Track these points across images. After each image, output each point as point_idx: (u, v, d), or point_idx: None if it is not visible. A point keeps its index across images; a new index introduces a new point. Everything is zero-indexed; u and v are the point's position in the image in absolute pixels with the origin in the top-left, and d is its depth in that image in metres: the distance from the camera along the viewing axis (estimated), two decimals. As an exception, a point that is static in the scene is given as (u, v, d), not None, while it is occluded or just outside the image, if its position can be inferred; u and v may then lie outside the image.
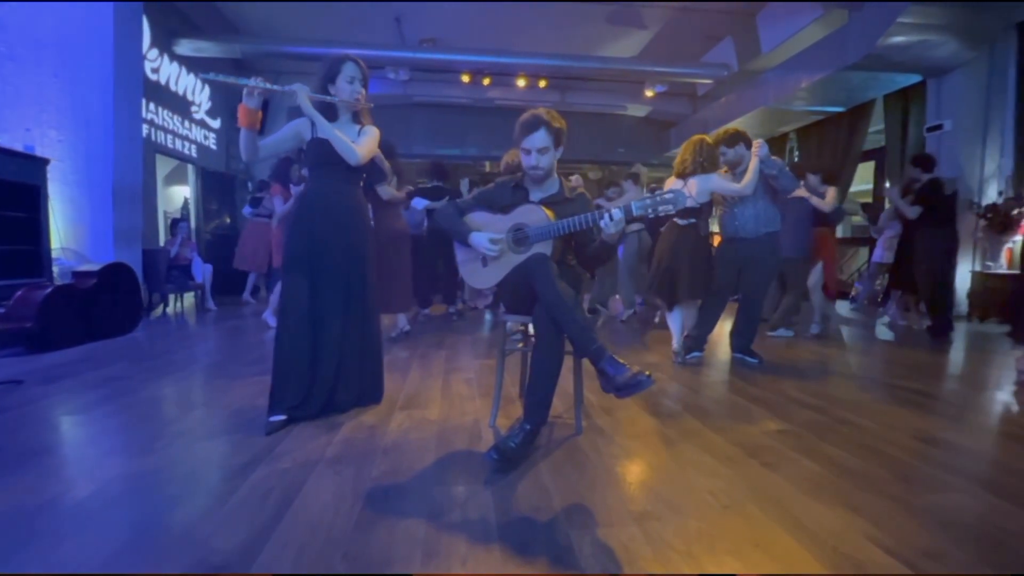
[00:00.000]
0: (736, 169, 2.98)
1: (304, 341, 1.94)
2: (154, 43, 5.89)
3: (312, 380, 1.95)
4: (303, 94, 1.89)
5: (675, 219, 3.00)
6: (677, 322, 3.13)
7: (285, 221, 3.68)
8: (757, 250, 2.96)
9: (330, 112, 2.02)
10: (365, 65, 2.03)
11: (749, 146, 2.92)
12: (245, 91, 1.81)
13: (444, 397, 2.27)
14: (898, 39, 4.77)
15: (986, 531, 1.20)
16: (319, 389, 1.96)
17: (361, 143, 1.99)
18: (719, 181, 2.91)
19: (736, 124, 7.57)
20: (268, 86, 1.83)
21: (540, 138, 1.76)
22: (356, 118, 2.08)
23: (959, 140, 5.20)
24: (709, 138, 2.97)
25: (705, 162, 2.89)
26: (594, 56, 7.71)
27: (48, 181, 3.79)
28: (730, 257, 3.02)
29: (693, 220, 2.96)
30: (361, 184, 2.16)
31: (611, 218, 1.64)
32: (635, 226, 4.59)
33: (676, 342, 3.11)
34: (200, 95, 6.89)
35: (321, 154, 1.98)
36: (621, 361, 1.48)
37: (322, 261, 1.98)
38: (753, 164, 2.82)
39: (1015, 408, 2.23)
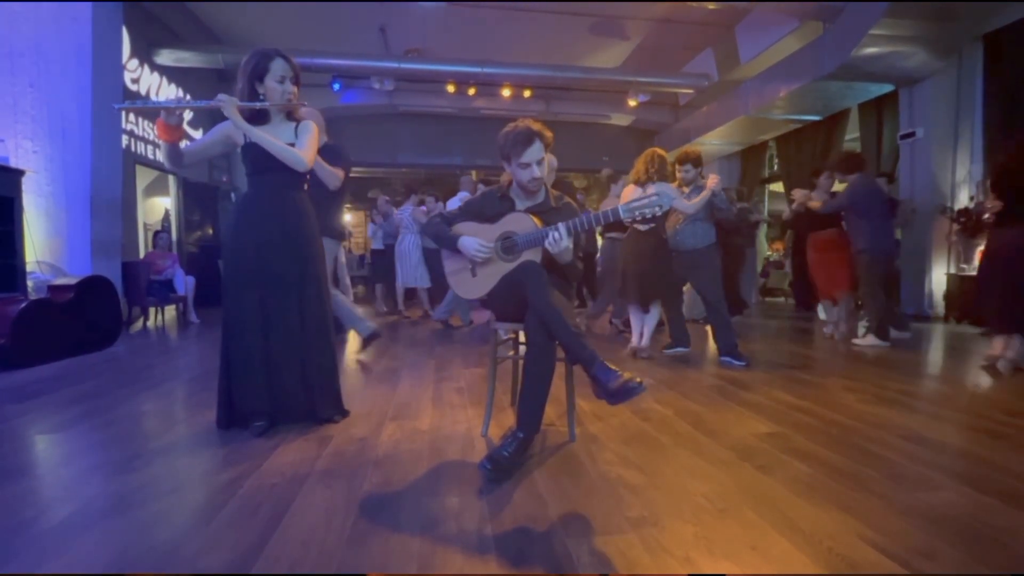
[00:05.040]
0: (689, 187, 3.27)
1: (255, 354, 1.86)
2: (134, 53, 5.81)
3: (272, 391, 1.89)
4: (231, 106, 1.77)
5: (636, 225, 3.15)
6: (649, 323, 3.34)
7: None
8: (696, 260, 3.23)
9: (262, 114, 1.89)
10: (295, 61, 1.90)
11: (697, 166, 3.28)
12: (163, 111, 1.73)
13: (435, 407, 2.25)
14: (871, 50, 4.94)
15: (976, 528, 1.21)
16: (282, 399, 1.90)
17: (304, 146, 1.87)
18: (676, 195, 3.10)
19: (717, 133, 7.74)
20: (190, 103, 1.79)
21: (538, 150, 1.77)
22: (289, 114, 1.96)
23: (931, 147, 5.38)
24: (662, 151, 3.19)
25: (656, 173, 3.09)
26: (578, 66, 7.83)
27: (23, 193, 3.70)
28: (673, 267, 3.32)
29: (653, 225, 3.16)
30: (305, 186, 2.03)
31: (552, 239, 1.65)
32: (613, 234, 4.61)
33: (637, 339, 3.31)
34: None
35: (259, 159, 1.85)
36: (613, 367, 1.48)
37: (272, 272, 1.87)
38: (705, 194, 3.11)
39: (994, 405, 2.29)
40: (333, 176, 2.96)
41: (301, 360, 1.93)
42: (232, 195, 7.80)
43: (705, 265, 3.25)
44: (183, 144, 1.86)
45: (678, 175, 3.29)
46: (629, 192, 3.13)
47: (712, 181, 3.14)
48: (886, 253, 3.75)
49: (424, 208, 5.54)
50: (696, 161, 3.27)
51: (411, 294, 5.96)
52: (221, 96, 1.77)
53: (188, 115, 6.88)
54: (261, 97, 1.87)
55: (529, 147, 1.76)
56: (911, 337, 3.71)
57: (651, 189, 3.01)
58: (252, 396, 1.88)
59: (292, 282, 1.91)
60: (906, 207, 5.22)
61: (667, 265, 3.23)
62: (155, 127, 1.82)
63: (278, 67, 1.84)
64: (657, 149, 3.18)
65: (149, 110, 6.09)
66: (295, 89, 1.90)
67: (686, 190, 3.25)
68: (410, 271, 5.53)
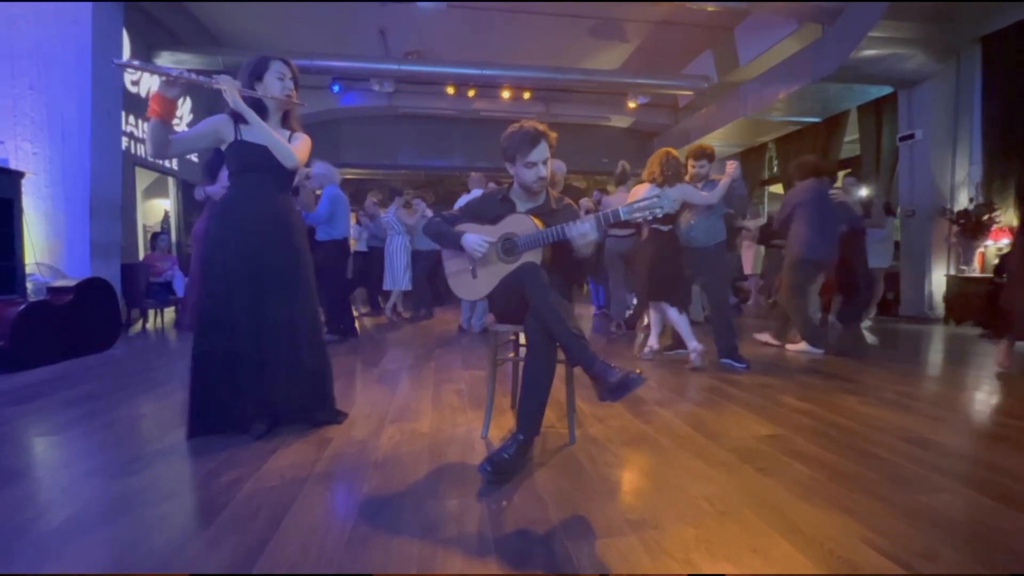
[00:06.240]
0: (702, 182, 3.21)
1: (249, 356, 1.81)
2: (134, 55, 5.81)
3: (267, 395, 1.85)
4: (233, 89, 1.74)
5: (658, 226, 3.12)
6: (657, 324, 3.31)
7: (201, 234, 3.22)
8: (708, 258, 3.18)
9: (259, 113, 1.85)
10: (296, 67, 1.91)
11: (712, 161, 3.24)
12: (165, 79, 1.67)
13: (435, 409, 2.24)
14: (869, 52, 4.95)
15: (977, 530, 1.21)
16: (277, 403, 1.87)
17: (296, 147, 1.87)
18: (692, 191, 3.08)
19: (716, 134, 7.76)
20: (193, 77, 1.69)
21: (544, 150, 1.79)
22: (284, 122, 1.95)
23: (930, 148, 5.39)
24: (675, 151, 3.15)
25: (673, 176, 3.04)
26: (578, 68, 7.85)
27: (23, 195, 3.69)
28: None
29: (671, 227, 3.13)
30: (289, 191, 2.01)
31: (577, 231, 1.65)
32: (618, 232, 4.57)
33: (696, 346, 3.03)
34: (182, 107, 6.80)
35: (246, 158, 1.82)
36: (612, 365, 1.48)
37: (261, 274, 1.83)
38: (725, 181, 3.06)
39: (994, 407, 2.29)
40: (312, 205, 3.03)
41: (295, 363, 1.89)
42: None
43: (716, 263, 3.21)
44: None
45: (691, 170, 3.23)
46: (643, 192, 3.05)
47: (731, 167, 3.08)
48: (816, 259, 3.55)
49: (422, 211, 5.50)
50: (711, 156, 3.24)
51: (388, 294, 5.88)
52: (223, 76, 1.76)
53: (188, 117, 6.89)
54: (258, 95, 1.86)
55: (536, 147, 1.77)
56: (820, 355, 3.46)
57: (670, 191, 2.97)
58: (247, 400, 1.83)
59: (282, 284, 1.87)
60: (877, 206, 5.05)
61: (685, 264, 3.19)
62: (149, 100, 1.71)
63: (277, 66, 1.86)
64: (670, 149, 3.12)
65: (146, 111, 6.10)
66: (295, 91, 1.90)
67: (699, 185, 3.19)
68: (394, 273, 5.41)
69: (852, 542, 1.15)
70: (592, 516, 1.29)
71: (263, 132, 1.80)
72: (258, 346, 1.84)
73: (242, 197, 1.87)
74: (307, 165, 3.15)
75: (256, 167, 1.84)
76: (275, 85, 1.85)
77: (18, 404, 2.34)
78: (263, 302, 1.85)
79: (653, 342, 3.34)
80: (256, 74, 1.85)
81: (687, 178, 3.20)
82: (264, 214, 1.86)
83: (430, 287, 5.94)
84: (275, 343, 1.86)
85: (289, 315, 1.88)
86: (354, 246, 6.27)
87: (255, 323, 1.83)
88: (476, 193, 4.67)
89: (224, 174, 2.52)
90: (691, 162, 3.23)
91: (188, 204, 7.04)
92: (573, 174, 11.22)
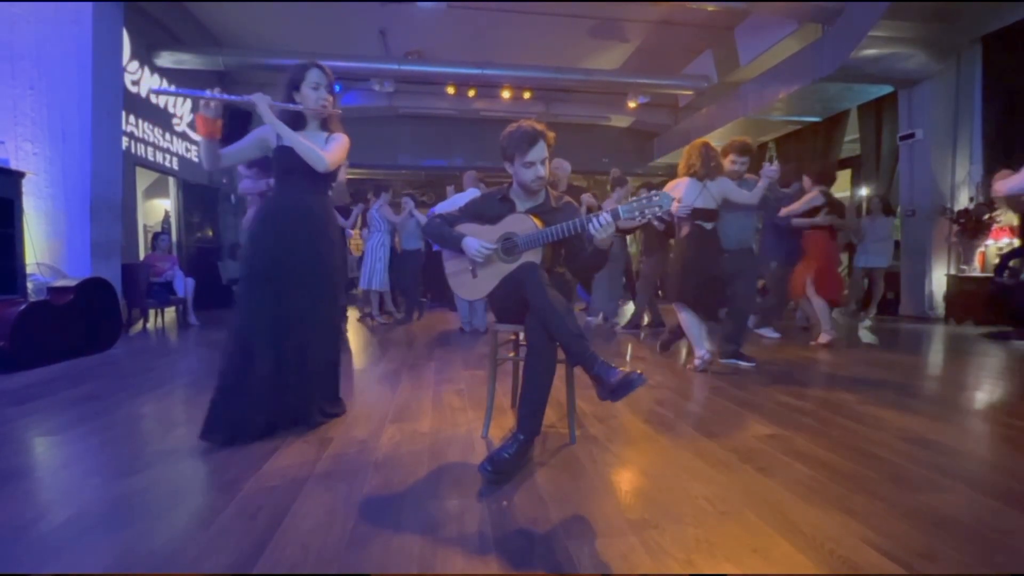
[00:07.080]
0: (736, 180, 3.04)
1: (268, 355, 1.83)
2: (134, 55, 5.82)
3: (278, 394, 1.85)
4: (263, 103, 1.84)
5: (702, 223, 2.90)
6: (702, 329, 3.02)
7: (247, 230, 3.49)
8: (741, 262, 3.05)
9: (297, 121, 1.95)
10: (331, 71, 1.98)
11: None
12: (201, 102, 1.78)
13: (435, 409, 2.24)
14: (870, 52, 4.96)
15: (978, 530, 1.21)
16: (286, 402, 1.87)
17: (329, 149, 1.92)
18: (734, 188, 2.91)
19: (717, 134, 7.76)
20: (225, 97, 1.79)
21: (542, 149, 1.79)
22: (324, 125, 2.02)
23: (930, 148, 5.39)
24: (712, 143, 2.95)
25: (716, 169, 2.87)
26: (578, 68, 7.84)
27: (23, 195, 3.69)
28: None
29: (714, 224, 2.94)
30: (329, 193, 2.07)
31: (599, 223, 1.65)
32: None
33: (704, 351, 2.93)
34: (182, 107, 6.81)
35: (287, 162, 1.90)
36: (612, 365, 1.48)
37: (286, 274, 1.87)
38: (764, 183, 2.91)
39: (995, 407, 2.29)
40: (343, 198, 3.16)
41: (305, 362, 1.91)
42: (231, 197, 7.79)
43: (752, 265, 3.15)
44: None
45: (728, 167, 3.04)
46: (683, 187, 2.87)
47: (770, 167, 2.96)
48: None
49: (409, 209, 5.43)
50: (752, 154, 3.10)
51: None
52: (256, 94, 1.84)
53: (188, 116, 6.89)
54: (297, 104, 1.93)
55: (534, 146, 1.77)
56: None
57: (711, 186, 2.86)
58: (257, 399, 1.83)
59: (304, 282, 1.91)
60: (845, 205, 4.78)
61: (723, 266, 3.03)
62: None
63: (313, 75, 1.93)
64: (707, 140, 2.93)
65: (149, 110, 6.11)
66: (330, 97, 1.96)
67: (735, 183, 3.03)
68: (369, 273, 5.26)
69: (852, 542, 1.15)
70: (592, 516, 1.29)
71: (293, 140, 1.87)
72: (274, 345, 1.86)
73: (281, 199, 1.96)
74: None
75: (295, 170, 1.91)
76: (310, 96, 1.93)
77: (18, 404, 2.34)
78: (288, 299, 1.88)
79: (703, 352, 2.96)
80: (294, 84, 1.93)
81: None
82: (299, 215, 1.93)
83: (422, 287, 5.90)
84: (289, 342, 1.88)
85: (306, 316, 1.90)
86: (361, 249, 6.24)
87: (274, 323, 1.86)
88: (471, 193, 4.67)
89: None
90: (732, 157, 3.04)
91: (189, 204, 7.04)
92: (573, 174, 11.21)
